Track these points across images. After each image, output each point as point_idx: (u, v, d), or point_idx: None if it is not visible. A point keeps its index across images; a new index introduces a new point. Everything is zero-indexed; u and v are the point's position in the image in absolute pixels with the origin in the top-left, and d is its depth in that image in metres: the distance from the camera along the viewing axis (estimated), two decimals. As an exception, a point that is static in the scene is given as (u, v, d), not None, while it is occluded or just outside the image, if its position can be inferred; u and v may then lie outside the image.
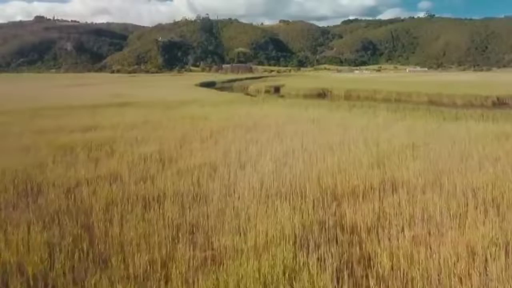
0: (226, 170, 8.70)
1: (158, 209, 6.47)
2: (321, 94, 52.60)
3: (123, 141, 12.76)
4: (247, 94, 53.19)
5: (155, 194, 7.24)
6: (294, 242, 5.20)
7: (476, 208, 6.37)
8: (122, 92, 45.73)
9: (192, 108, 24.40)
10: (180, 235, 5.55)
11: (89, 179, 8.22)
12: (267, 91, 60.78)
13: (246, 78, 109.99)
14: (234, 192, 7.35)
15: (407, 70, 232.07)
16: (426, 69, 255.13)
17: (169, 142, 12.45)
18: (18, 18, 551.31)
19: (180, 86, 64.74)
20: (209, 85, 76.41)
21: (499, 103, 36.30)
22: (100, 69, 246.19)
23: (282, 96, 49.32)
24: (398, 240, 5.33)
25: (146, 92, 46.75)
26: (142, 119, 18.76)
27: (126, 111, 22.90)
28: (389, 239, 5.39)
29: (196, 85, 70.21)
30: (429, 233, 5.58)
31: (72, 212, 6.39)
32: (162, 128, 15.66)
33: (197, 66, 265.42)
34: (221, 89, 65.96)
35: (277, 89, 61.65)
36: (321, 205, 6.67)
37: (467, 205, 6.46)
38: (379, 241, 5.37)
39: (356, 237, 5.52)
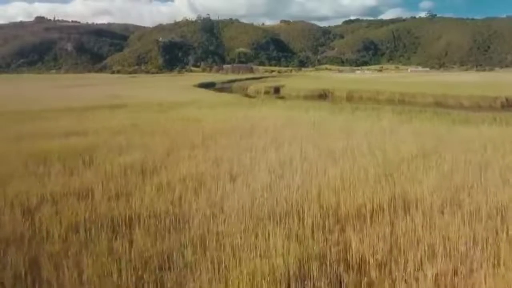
0: (214, 184, 7.64)
1: (126, 237, 5.43)
2: (322, 95, 51.52)
3: (106, 147, 11.69)
4: (246, 95, 52.22)
5: (127, 215, 6.18)
6: (288, 287, 4.15)
7: (508, 234, 5.31)
8: (120, 93, 44.86)
9: (187, 111, 23.37)
10: (147, 273, 4.50)
11: (55, 195, 7.17)
12: (266, 92, 59.81)
13: (246, 79, 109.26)
14: (221, 212, 6.30)
15: (409, 70, 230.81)
16: (428, 69, 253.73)
17: (156, 149, 11.40)
18: (19, 18, 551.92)
19: (179, 87, 63.74)
20: (208, 86, 75.50)
21: (508, 104, 35.10)
22: (101, 70, 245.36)
23: (282, 97, 48.30)
24: (417, 282, 4.27)
25: (144, 93, 45.81)
26: (132, 122, 17.72)
27: (119, 114, 21.91)
28: (405, 280, 4.33)
29: (195, 86, 69.27)
30: (455, 272, 4.52)
31: (24, 241, 5.35)
32: (151, 133, 14.60)
33: (198, 66, 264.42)
34: (221, 90, 65.01)
35: (277, 90, 60.65)
36: (322, 231, 5.61)
37: (497, 232, 5.40)
38: (394, 283, 4.31)
39: (365, 277, 4.45)
